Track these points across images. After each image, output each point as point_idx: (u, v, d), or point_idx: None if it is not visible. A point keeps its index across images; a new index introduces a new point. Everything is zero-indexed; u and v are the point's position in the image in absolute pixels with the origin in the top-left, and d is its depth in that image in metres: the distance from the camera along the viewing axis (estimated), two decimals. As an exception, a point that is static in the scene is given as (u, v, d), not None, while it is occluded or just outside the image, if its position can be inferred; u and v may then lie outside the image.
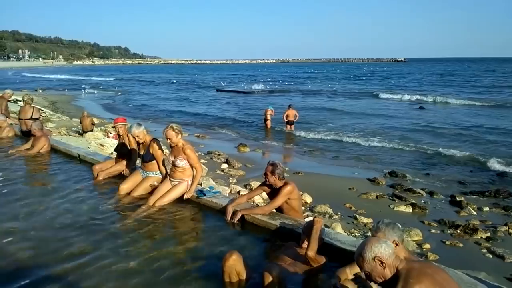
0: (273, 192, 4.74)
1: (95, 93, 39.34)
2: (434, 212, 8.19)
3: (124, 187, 5.83)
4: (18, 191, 5.97)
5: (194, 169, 5.46)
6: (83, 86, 46.48)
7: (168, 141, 5.35)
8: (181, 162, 5.34)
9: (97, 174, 6.59)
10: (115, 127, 6.76)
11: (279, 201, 4.58)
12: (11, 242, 4.21)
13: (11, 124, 10.59)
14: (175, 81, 62.94)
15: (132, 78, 73.53)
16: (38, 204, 5.38)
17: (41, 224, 4.69)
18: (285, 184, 4.61)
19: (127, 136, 6.53)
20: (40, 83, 52.87)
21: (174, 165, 5.42)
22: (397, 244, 2.78)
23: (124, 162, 6.64)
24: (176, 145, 5.38)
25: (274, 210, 4.71)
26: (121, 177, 6.38)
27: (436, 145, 15.10)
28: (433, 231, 7.21)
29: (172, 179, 5.51)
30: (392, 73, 78.80)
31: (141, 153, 5.96)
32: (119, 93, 40.62)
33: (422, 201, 8.79)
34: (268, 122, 18.82)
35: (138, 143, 6.11)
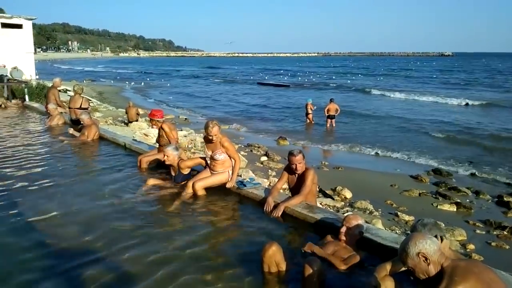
0: (297, 179, 4.86)
1: (142, 85, 40.27)
2: (479, 212, 7.92)
3: (151, 181, 5.86)
4: (68, 175, 6.23)
5: (232, 159, 5.49)
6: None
7: (211, 137, 5.29)
8: (220, 156, 5.38)
9: (141, 162, 6.78)
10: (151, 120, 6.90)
11: (309, 186, 4.72)
12: (60, 224, 4.41)
13: (61, 112, 11.07)
14: (215, 74, 63.38)
15: (171, 71, 74.11)
16: (86, 189, 5.62)
17: (88, 208, 4.89)
18: (307, 169, 4.79)
19: (162, 127, 6.62)
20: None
21: (213, 159, 5.46)
22: (442, 239, 2.72)
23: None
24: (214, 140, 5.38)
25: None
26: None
27: (482, 145, 14.55)
28: (478, 231, 6.99)
29: (213, 171, 5.55)
30: (437, 68, 76.05)
31: (172, 173, 5.98)
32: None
33: (467, 200, 8.52)
34: (310, 116, 18.68)
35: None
